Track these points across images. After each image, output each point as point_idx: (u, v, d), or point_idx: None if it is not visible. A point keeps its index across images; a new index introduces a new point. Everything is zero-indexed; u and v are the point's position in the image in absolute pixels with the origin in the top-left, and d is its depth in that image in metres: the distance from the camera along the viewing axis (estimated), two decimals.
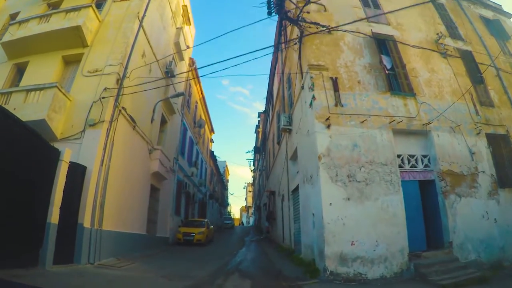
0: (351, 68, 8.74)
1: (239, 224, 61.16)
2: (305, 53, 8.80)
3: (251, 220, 60.94)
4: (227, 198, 52.36)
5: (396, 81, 8.80)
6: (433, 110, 8.26)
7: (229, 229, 30.50)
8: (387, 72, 8.72)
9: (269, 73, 19.04)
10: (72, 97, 8.12)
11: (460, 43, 10.27)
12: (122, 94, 8.34)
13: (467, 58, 9.78)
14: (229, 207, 54.92)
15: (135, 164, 9.52)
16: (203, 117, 22.21)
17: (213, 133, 27.91)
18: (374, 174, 7.11)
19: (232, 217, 46.38)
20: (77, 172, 6.78)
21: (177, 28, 14.64)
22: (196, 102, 20.26)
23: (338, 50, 8.96)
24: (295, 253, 9.25)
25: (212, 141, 29.36)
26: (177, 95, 11.66)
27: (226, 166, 49.36)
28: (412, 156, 8.00)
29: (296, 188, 9.49)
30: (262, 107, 36.60)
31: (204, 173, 24.00)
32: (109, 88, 7.97)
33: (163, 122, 12.99)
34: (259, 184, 31.32)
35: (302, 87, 8.81)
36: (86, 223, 6.60)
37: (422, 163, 8.00)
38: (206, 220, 15.14)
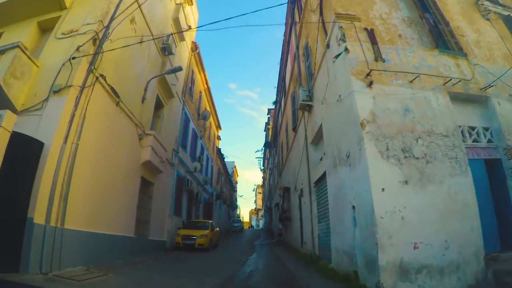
0: (388, 20, 7.00)
1: (249, 227, 58.89)
2: (329, 3, 6.96)
3: (261, 223, 58.88)
4: (236, 200, 50.34)
5: (442, 39, 7.08)
6: (488, 73, 6.50)
7: (238, 232, 28.47)
8: (432, 24, 6.99)
9: (280, 58, 17.22)
10: (40, 63, 6.48)
11: (499, 8, 8.74)
12: (102, 52, 6.64)
13: (510, 23, 8.29)
14: (238, 209, 52.74)
15: (118, 149, 7.75)
16: (208, 109, 20.47)
17: (220, 129, 26.16)
18: (434, 148, 5.15)
19: (241, 219, 44.27)
20: (30, 150, 5.04)
21: (176, 4, 13.01)
22: (200, 92, 18.57)
23: (369, 1, 7.20)
24: (320, 260, 7.23)
25: (219, 138, 27.61)
26: (174, 71, 9.93)
27: (235, 167, 47.47)
28: (473, 128, 6.16)
29: (322, 178, 7.51)
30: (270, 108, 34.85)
31: (210, 171, 22.20)
32: (81, 46, 6.27)
33: (159, 106, 11.26)
34: (270, 184, 29.27)
35: (328, 46, 6.91)
36: (39, 218, 4.81)
37: (485, 138, 6.06)
38: (211, 221, 13.24)
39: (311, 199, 8.39)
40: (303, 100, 8.42)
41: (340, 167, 5.85)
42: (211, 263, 8.16)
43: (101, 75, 6.84)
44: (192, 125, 16.14)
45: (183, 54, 14.52)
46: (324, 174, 7.15)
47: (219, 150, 26.33)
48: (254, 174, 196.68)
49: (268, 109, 33.73)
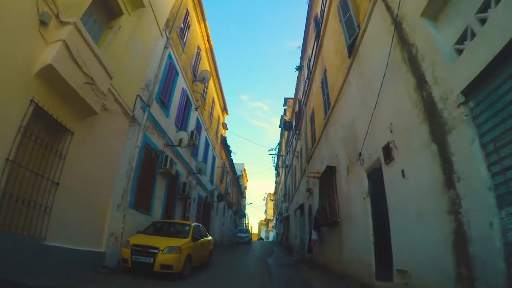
0: None
1: (258, 239, 52.54)
2: None
3: (271, 235, 53.03)
4: (244, 208, 44.47)
5: None
6: None
7: (244, 245, 22.74)
8: None
9: None
10: None
11: None
12: None
13: None
14: (246, 220, 46.57)
15: None
16: (209, 70, 15.36)
17: (227, 113, 21.10)
18: None
19: (250, 229, 38.17)
20: None
21: None
22: (199, 49, 13.65)
23: None
24: None
25: (225, 126, 22.54)
26: None
27: (244, 170, 41.98)
28: None
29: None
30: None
31: (211, 162, 17.02)
32: None
33: (114, 11, 6.30)
34: (286, 186, 23.66)
35: None
36: None
37: None
38: (195, 224, 7.71)
39: (447, 149, 2.95)
40: None
41: None
42: None
43: None
44: (182, 82, 11.13)
45: None
46: None
47: (224, 139, 21.18)
48: (265, 186, 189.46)
49: (284, 98, 28.73)
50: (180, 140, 9.62)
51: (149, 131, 8.21)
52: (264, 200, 63.40)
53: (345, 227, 6.45)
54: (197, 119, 13.56)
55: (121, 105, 6.61)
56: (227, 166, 23.71)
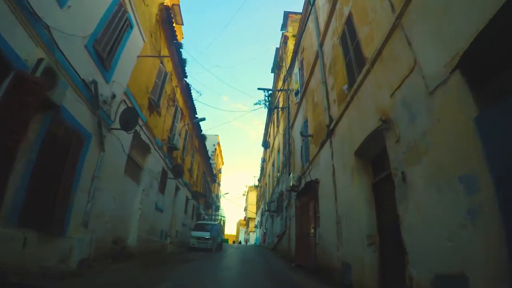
0: None
1: (234, 242, 40.89)
2: None
3: (252, 237, 42.03)
4: (217, 198, 32.56)
5: None
6: None
7: (207, 254, 10.95)
8: None
9: None
10: None
11: None
12: None
13: None
14: (220, 216, 34.32)
15: None
16: None
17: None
18: None
19: (222, 224, 25.91)
20: None
21: None
22: None
23: None
24: None
25: (180, 27, 10.91)
26: None
27: (218, 144, 30.13)
28: None
29: None
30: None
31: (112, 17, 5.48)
32: None
33: None
34: (287, 144, 12.39)
35: None
36: None
37: None
38: None
39: None
40: None
41: None
42: None
43: None
44: None
45: None
46: None
47: (168, 13, 9.46)
48: (244, 181, 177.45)
49: (284, 12, 17.68)
50: None
51: None
52: (244, 195, 51.67)
53: None
54: None
55: None
56: (177, 89, 11.99)
